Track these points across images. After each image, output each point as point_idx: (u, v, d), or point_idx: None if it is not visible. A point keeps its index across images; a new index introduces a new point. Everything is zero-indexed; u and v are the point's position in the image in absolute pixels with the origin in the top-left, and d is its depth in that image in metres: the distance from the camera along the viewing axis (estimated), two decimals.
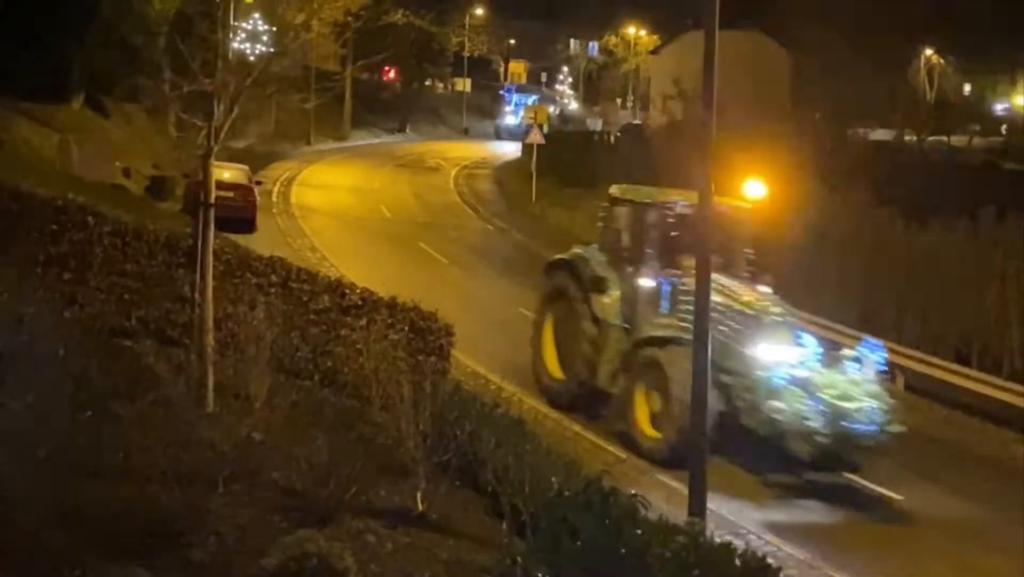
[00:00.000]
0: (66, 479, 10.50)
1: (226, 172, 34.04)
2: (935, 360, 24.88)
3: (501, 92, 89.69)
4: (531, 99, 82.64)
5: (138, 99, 43.90)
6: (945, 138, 70.81)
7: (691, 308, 15.22)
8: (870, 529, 17.48)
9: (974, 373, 24.36)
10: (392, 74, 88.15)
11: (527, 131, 66.13)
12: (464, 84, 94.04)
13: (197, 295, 14.39)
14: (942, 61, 78.84)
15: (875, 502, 18.52)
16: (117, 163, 37.07)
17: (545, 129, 58.07)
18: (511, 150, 65.98)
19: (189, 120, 15.30)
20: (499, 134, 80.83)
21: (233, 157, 40.75)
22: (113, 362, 14.63)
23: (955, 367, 24.60)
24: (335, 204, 44.91)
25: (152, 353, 14.86)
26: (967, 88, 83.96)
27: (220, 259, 15.74)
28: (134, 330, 15.96)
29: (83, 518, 9.95)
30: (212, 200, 14.77)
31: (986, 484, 19.98)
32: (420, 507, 12.29)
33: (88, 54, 38.56)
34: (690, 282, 16.58)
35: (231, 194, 32.98)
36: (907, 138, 70.01)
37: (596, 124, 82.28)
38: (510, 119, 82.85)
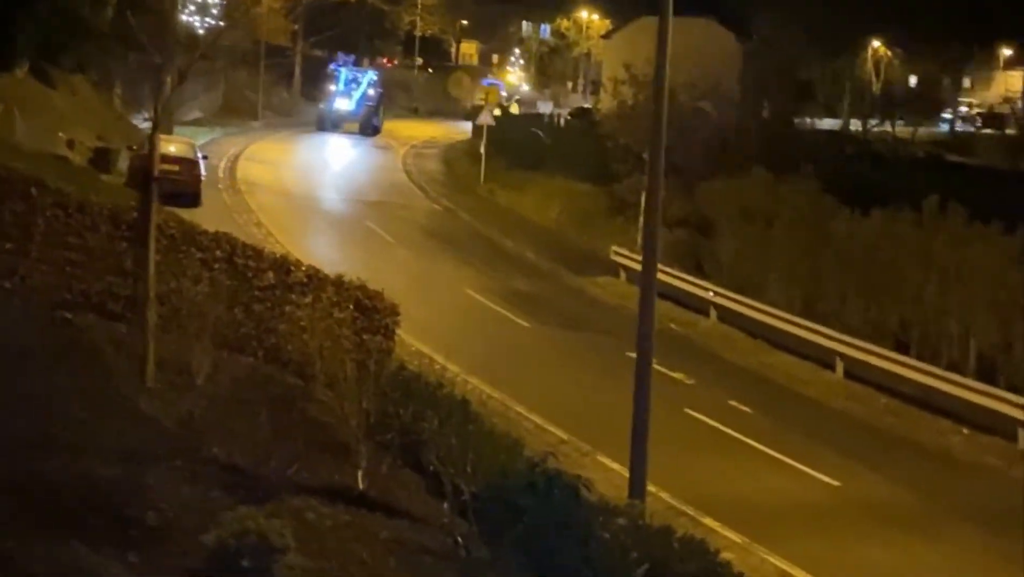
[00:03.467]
0: (2, 451, 10.39)
1: (172, 146, 33.76)
2: (875, 348, 25.18)
3: (331, 67, 68.49)
4: (367, 76, 65.96)
5: (84, 70, 43.42)
6: (890, 128, 71.56)
7: None
8: (806, 514, 17.72)
9: (913, 362, 24.67)
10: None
11: (368, 119, 61.57)
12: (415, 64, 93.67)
13: (140, 269, 14.27)
14: (889, 53, 79.54)
15: (812, 487, 18.74)
16: (61, 134, 36.58)
17: (497, 113, 56.77)
18: (463, 130, 65.64)
19: (135, 93, 15.14)
20: (322, 123, 62.53)
21: (179, 132, 40.46)
22: (54, 335, 14.48)
23: (895, 356, 24.90)
24: (282, 180, 44.63)
25: (94, 327, 14.72)
26: (913, 80, 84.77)
27: (164, 233, 15.59)
28: (76, 303, 15.77)
29: (19, 491, 9.86)
30: (156, 174, 14.63)
31: (921, 472, 20.30)
32: (361, 486, 12.27)
33: (34, 23, 38.01)
34: None
35: (176, 168, 32.67)
36: (853, 128, 70.69)
37: (547, 107, 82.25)
38: (342, 103, 63.66)
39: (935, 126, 76.28)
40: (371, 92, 64.71)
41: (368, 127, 62.36)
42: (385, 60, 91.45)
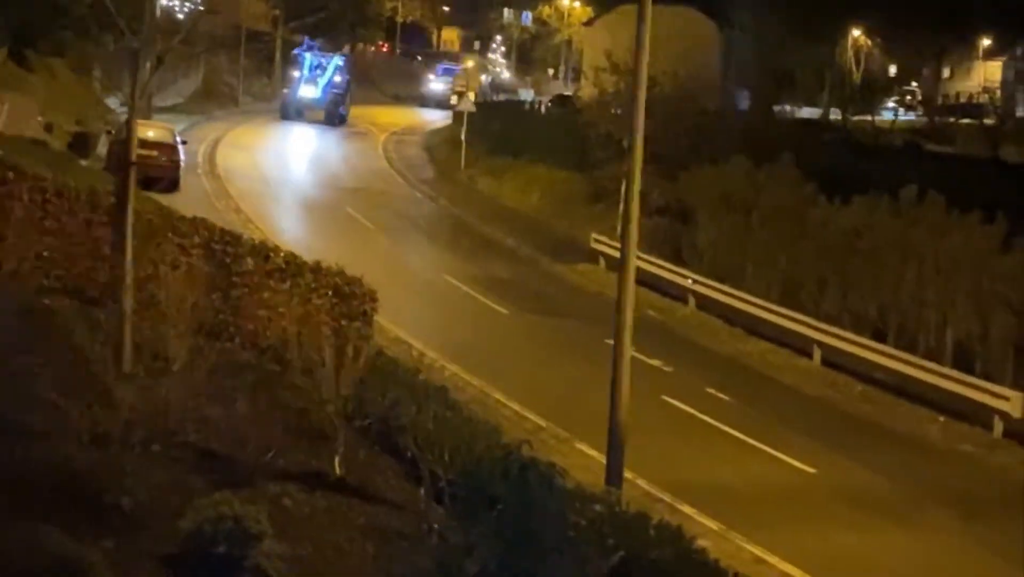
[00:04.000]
0: None
1: (151, 131, 33.65)
2: (853, 336, 25.29)
3: (295, 52, 64.80)
4: (333, 61, 61.50)
5: (63, 54, 43.19)
6: (870, 117, 71.72)
7: None
8: (783, 500, 17.79)
9: (890, 350, 24.78)
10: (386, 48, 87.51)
11: (334, 107, 58.30)
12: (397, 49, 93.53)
13: (117, 254, 14.23)
14: (869, 42, 79.68)
15: (789, 474, 18.83)
16: (39, 118, 36.39)
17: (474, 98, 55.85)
18: (440, 117, 65.49)
19: (114, 77, 15.09)
20: (286, 112, 59.29)
21: (159, 117, 40.30)
22: (30, 320, 14.44)
23: (872, 344, 25.01)
24: (262, 166, 44.51)
25: (70, 312, 14.68)
26: (893, 69, 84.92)
27: (142, 219, 15.55)
28: (53, 289, 15.75)
29: None
30: (135, 159, 14.59)
31: (898, 459, 20.39)
32: (338, 471, 12.29)
33: (12, 7, 37.79)
34: None
35: (155, 153, 32.58)
36: (832, 117, 70.83)
37: (528, 94, 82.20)
38: (307, 90, 60.08)
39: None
40: (337, 79, 60.99)
41: (334, 116, 59.44)
42: (378, 46, 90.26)
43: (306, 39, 67.64)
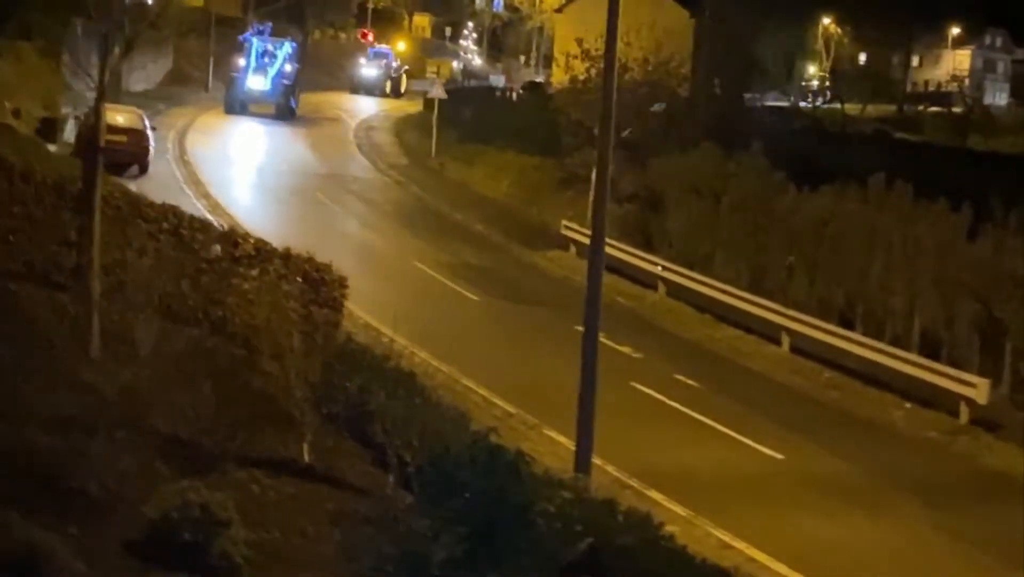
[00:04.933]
0: None
1: (120, 116, 33.44)
2: (820, 323, 25.40)
3: (241, 38, 57.16)
4: (283, 48, 55.26)
5: (30, 37, 42.79)
6: (839, 105, 72.01)
7: None
8: (750, 487, 17.88)
9: (857, 337, 24.91)
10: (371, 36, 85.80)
11: (285, 99, 53.01)
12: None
13: (85, 240, 14.15)
14: (839, 30, 79.95)
15: (757, 461, 18.93)
16: (6, 103, 36.07)
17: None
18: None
19: (83, 62, 14.99)
20: (231, 105, 53.14)
21: (128, 102, 40.03)
22: None
23: (839, 330, 25.14)
24: (232, 152, 44.31)
25: (36, 297, 14.60)
26: (863, 57, 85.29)
27: (111, 204, 15.48)
28: (19, 273, 15.63)
29: None
30: (102, 143, 14.50)
31: (864, 445, 20.54)
32: (306, 458, 12.29)
33: None
34: None
35: (124, 138, 32.40)
36: (802, 104, 71.07)
37: (499, 81, 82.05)
38: (255, 80, 53.60)
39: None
40: (288, 68, 54.84)
41: (285, 109, 53.79)
42: (361, 34, 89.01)
43: (254, 22, 61.35)
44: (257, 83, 53.70)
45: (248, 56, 54.14)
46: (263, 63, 53.96)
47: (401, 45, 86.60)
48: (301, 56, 58.23)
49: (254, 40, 55.13)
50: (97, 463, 10.45)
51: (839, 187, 29.28)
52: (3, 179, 16.33)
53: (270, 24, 60.24)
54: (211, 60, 64.62)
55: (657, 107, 37.52)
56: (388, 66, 74.21)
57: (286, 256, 16.90)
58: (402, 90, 74.30)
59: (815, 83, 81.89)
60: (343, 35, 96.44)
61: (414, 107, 62.70)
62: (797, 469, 18.82)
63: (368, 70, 72.82)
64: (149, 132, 35.58)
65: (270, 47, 55.00)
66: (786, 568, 15.26)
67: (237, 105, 53.15)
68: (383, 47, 78.67)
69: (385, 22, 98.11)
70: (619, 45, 15.97)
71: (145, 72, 54.58)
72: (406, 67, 79.09)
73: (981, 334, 24.39)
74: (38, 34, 42.86)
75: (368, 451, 13.02)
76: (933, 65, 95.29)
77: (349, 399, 13.43)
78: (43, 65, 43.32)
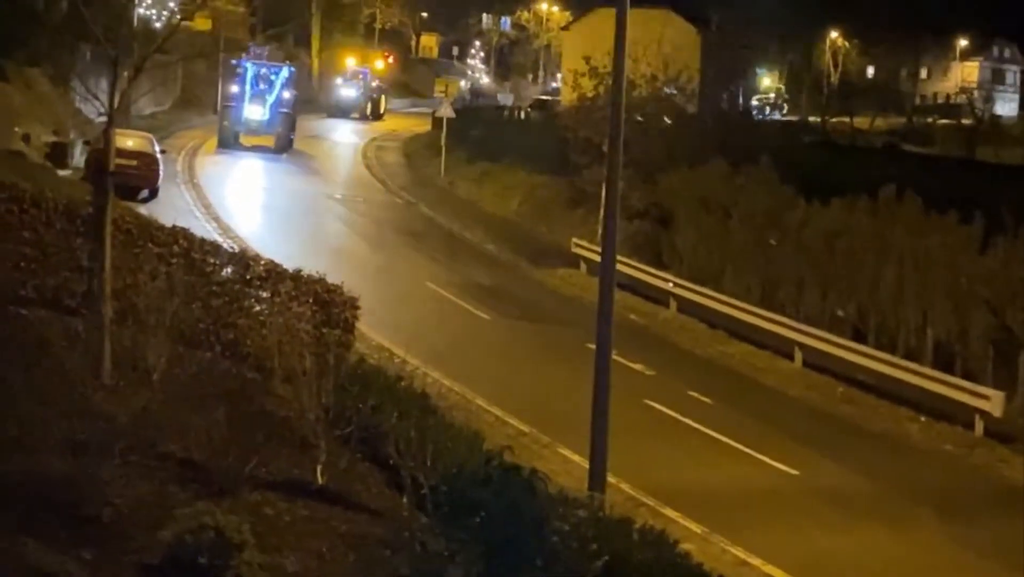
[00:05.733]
0: None
1: (129, 140, 33.53)
2: (833, 337, 25.33)
3: (234, 63, 52.79)
4: (281, 74, 50.60)
5: (39, 63, 42.99)
6: (848, 119, 71.98)
7: None
8: (766, 503, 17.79)
9: (871, 351, 24.84)
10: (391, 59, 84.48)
11: (286, 131, 48.77)
12: (376, 56, 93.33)
13: (96, 264, 14.16)
14: (847, 44, 79.96)
15: (772, 477, 18.84)
16: (17, 129, 36.21)
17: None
18: (423, 121, 65.16)
19: (91, 87, 15.05)
20: (225, 139, 48.41)
21: (137, 126, 40.12)
22: (8, 331, 14.35)
23: (852, 344, 25.07)
24: (240, 174, 44.40)
25: (48, 322, 14.60)
26: (871, 70, 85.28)
27: (121, 228, 15.49)
28: (30, 299, 15.64)
29: None
30: (112, 168, 14.54)
31: (879, 460, 20.44)
32: (320, 480, 12.25)
33: None
34: None
35: (134, 163, 32.51)
36: (811, 118, 71.05)
37: (507, 99, 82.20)
38: (253, 110, 48.89)
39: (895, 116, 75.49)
40: (286, 95, 50.00)
41: (285, 141, 49.40)
42: (384, 56, 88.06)
43: (251, 45, 57.35)
44: (255, 112, 49.01)
45: (242, 83, 49.70)
46: (259, 90, 49.36)
47: (380, 61, 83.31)
48: (295, 81, 53.43)
49: (248, 65, 50.71)
50: (111, 488, 10.43)
51: (849, 200, 29.22)
52: (14, 205, 16.35)
53: (267, 48, 56.60)
54: (219, 83, 64.85)
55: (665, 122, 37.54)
56: (366, 86, 71.19)
57: (297, 278, 16.90)
58: (381, 111, 71.95)
59: (772, 96, 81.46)
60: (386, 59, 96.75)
61: (422, 127, 62.81)
62: (812, 484, 18.73)
63: (345, 91, 69.82)
64: (159, 156, 35.68)
65: (265, 72, 50.47)
66: None
67: (232, 138, 48.65)
68: (361, 66, 74.56)
69: (393, 42, 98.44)
70: (627, 62, 15.96)
71: (154, 96, 54.77)
72: (384, 86, 76.34)
73: (995, 346, 24.30)
74: (47, 60, 43.12)
75: (382, 472, 12.97)
76: (941, 77, 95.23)
77: (362, 420, 13.39)
78: (52, 91, 43.54)
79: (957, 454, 21.33)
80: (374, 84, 73.35)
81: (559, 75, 78.99)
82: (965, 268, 25.54)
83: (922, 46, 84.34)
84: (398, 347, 21.10)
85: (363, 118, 67.81)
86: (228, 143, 48.33)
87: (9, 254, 16.10)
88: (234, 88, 49.94)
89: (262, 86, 49.42)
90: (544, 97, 78.26)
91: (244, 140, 48.94)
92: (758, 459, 19.34)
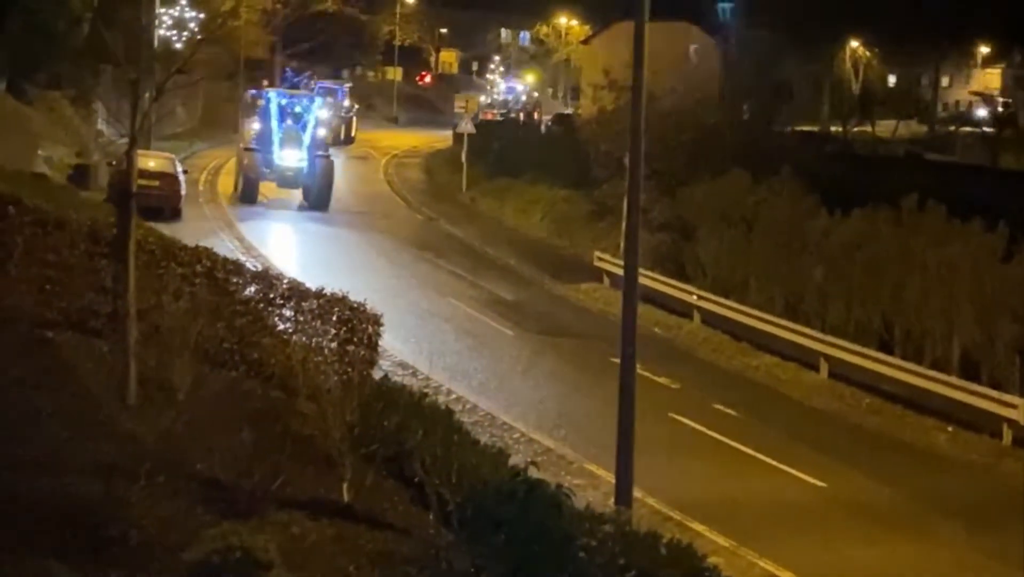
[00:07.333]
0: None
1: (151, 161, 33.74)
2: (858, 348, 25.20)
3: (252, 93, 46.67)
4: (314, 104, 41.76)
5: (61, 86, 43.31)
6: (870, 128, 71.79)
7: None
8: (793, 515, 17.71)
9: (896, 361, 24.69)
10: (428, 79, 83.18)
11: (326, 178, 39.45)
12: (395, 73, 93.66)
13: (120, 286, 14.21)
14: (867, 52, 79.78)
15: (799, 489, 18.75)
16: (40, 151, 36.47)
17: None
18: (443, 137, 65.27)
19: (113, 108, 15.13)
20: (251, 190, 39.52)
21: (159, 146, 40.28)
22: (34, 354, 14.42)
23: (878, 355, 24.93)
24: (262, 193, 44.50)
25: (73, 344, 14.65)
26: (892, 79, 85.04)
27: (144, 249, 15.55)
28: (55, 321, 15.72)
29: None
30: (135, 189, 14.60)
31: (907, 470, 20.31)
32: (346, 498, 12.24)
33: (9, 40, 37.93)
34: None
35: (157, 183, 32.70)
36: (833, 128, 70.87)
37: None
38: (289, 154, 39.40)
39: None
40: (320, 132, 41.14)
41: (326, 195, 39.89)
42: (420, 76, 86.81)
43: (287, 69, 47.20)
44: (292, 157, 39.31)
45: (266, 119, 40.15)
46: (289, 128, 40.01)
47: (349, 82, 73.03)
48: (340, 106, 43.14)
49: (271, 96, 41.59)
50: (138, 509, 10.44)
51: (871, 210, 29.09)
52: (37, 227, 16.45)
53: (308, 73, 48.09)
54: (240, 102, 65.09)
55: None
56: (338, 107, 61.46)
57: (320, 295, 16.93)
58: (352, 134, 64.95)
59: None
60: (371, 73, 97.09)
61: (443, 143, 62.95)
62: (840, 496, 18.63)
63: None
64: (181, 176, 35.85)
65: (294, 103, 41.32)
66: None
67: (254, 191, 39.58)
68: (335, 83, 62.79)
69: (412, 59, 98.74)
70: (646, 74, 15.95)
71: (175, 116, 55.05)
72: (356, 107, 66.89)
73: (1021, 355, 24.12)
74: (69, 83, 43.42)
75: (408, 490, 12.96)
76: (963, 84, 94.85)
77: (387, 438, 13.38)
78: (75, 113, 43.82)
79: (985, 464, 21.17)
80: (346, 104, 65.15)
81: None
82: (989, 276, 25.37)
83: (943, 53, 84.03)
84: (422, 364, 21.18)
85: (335, 142, 54.22)
86: (254, 196, 39.53)
87: (34, 277, 16.19)
88: (253, 125, 40.60)
89: (290, 120, 40.36)
90: (565, 111, 78.29)
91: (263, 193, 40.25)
92: (785, 471, 19.25)
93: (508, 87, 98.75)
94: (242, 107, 46.26)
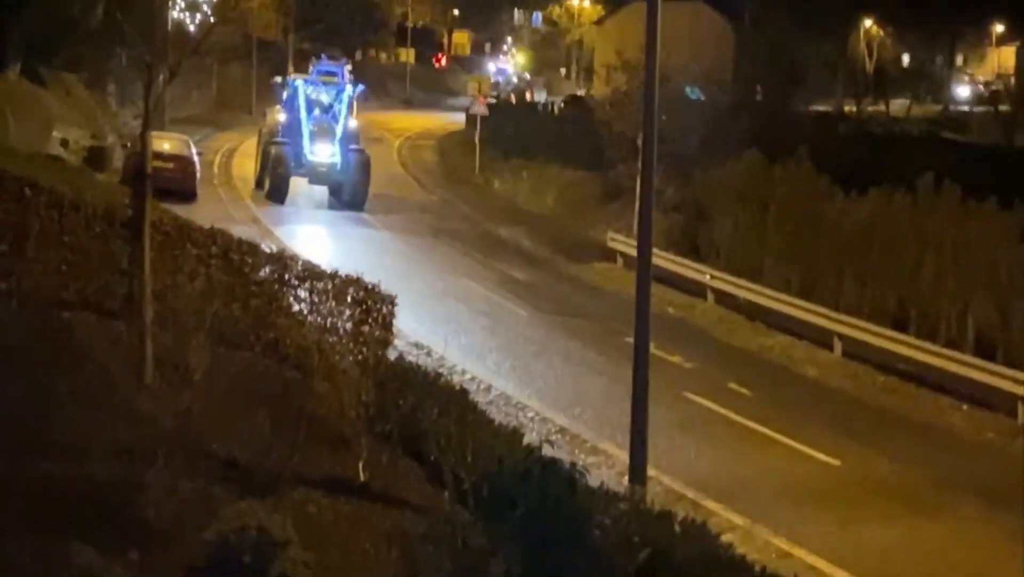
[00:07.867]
0: (1, 453, 10.42)
1: (166, 143, 33.82)
2: (873, 327, 25.18)
3: (279, 80, 42.12)
4: (344, 93, 37.41)
5: (76, 69, 43.41)
6: (884, 107, 71.51)
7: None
8: (808, 494, 17.72)
9: (911, 340, 24.67)
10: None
11: (362, 175, 36.18)
12: (407, 55, 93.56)
13: (135, 267, 14.28)
14: (881, 32, 79.40)
15: (813, 467, 18.77)
16: (55, 133, 36.58)
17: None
18: (456, 119, 65.16)
19: (128, 91, 15.19)
20: (280, 188, 36.02)
21: (173, 128, 40.34)
22: (50, 335, 14.50)
23: (892, 334, 24.91)
24: None
25: (90, 325, 14.73)
26: (906, 58, 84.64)
27: (159, 230, 15.60)
28: (72, 303, 15.79)
29: (18, 492, 9.89)
30: (150, 171, 14.66)
31: (922, 449, 20.31)
32: (362, 477, 12.32)
33: (25, 23, 38.01)
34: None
35: (171, 165, 32.75)
36: (847, 108, 70.60)
37: (540, 95, 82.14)
38: (322, 148, 36.21)
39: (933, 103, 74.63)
40: (352, 124, 37.45)
41: (364, 191, 36.72)
42: (436, 57, 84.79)
43: (324, 56, 43.36)
44: (324, 152, 36.06)
45: (293, 109, 36.69)
46: (321, 120, 36.77)
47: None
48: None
49: (299, 84, 37.52)
50: (155, 489, 10.52)
51: (887, 190, 29.03)
52: (54, 209, 16.50)
53: (345, 60, 42.50)
54: (254, 84, 65.17)
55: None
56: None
57: (334, 276, 16.97)
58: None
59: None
60: (383, 55, 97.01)
61: (456, 125, 62.89)
62: (855, 475, 18.64)
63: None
64: (195, 158, 35.87)
65: (324, 92, 37.42)
66: (847, 575, 15.11)
67: (286, 188, 36.04)
68: (333, 63, 52.25)
69: (424, 40, 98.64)
70: (660, 55, 15.93)
71: (190, 98, 55.13)
72: (361, 88, 62.61)
73: None
74: (84, 66, 43.51)
75: (423, 468, 13.03)
76: (978, 63, 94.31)
77: (402, 417, 13.45)
78: (90, 96, 43.92)
79: (1000, 442, 21.16)
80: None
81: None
82: (1005, 256, 25.32)
83: (957, 32, 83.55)
84: (437, 344, 21.23)
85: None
86: (282, 195, 35.93)
87: (51, 258, 16.25)
88: (278, 116, 37.47)
89: (319, 110, 37.11)
90: (578, 93, 78.11)
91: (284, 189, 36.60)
92: (799, 450, 19.27)
93: (499, 68, 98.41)
94: (273, 90, 42.73)
